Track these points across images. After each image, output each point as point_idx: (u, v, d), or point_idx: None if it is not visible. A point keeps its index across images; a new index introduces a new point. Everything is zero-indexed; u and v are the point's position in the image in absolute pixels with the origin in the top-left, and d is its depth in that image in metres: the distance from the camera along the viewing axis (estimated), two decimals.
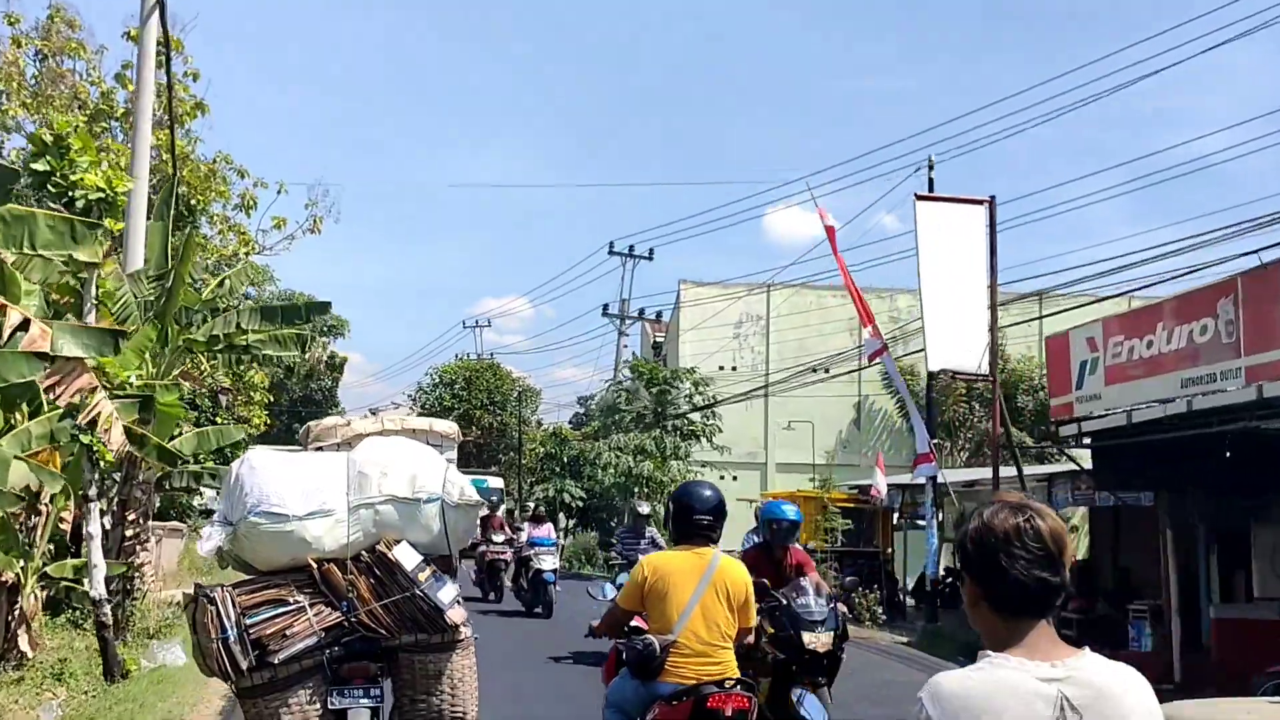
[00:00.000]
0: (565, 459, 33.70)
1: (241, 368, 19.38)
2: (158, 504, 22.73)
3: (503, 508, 33.95)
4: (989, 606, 2.08)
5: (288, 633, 5.63)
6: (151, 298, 13.86)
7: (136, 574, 13.68)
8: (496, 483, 35.32)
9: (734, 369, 38.07)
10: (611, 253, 39.32)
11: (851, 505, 23.95)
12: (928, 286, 14.02)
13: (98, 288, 10.87)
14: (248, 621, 5.60)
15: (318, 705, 5.69)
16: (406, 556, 5.84)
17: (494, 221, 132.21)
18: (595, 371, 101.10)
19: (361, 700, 5.73)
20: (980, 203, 14.51)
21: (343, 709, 5.71)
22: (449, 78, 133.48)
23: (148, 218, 13.86)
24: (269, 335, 14.26)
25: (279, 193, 25.95)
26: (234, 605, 5.60)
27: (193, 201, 24.98)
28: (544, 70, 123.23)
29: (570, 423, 51.87)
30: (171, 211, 14.01)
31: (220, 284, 14.60)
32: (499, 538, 20.07)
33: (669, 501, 5.95)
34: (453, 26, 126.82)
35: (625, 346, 39.57)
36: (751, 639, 5.50)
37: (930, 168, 16.07)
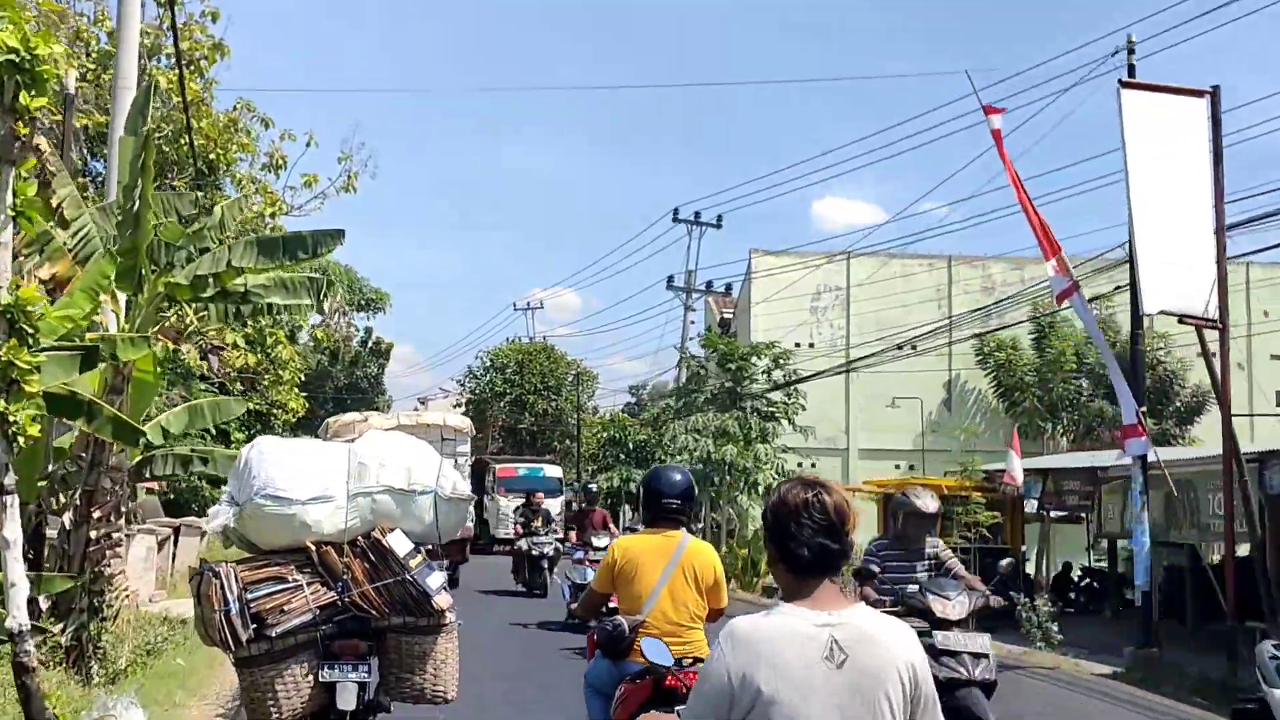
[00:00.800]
0: (630, 445, 30.44)
1: (245, 326, 16.22)
2: (142, 495, 19.76)
3: (560, 500, 30.96)
4: (783, 566, 2.61)
5: (285, 608, 6.03)
6: (117, 231, 10.74)
7: (107, 587, 10.56)
8: (554, 471, 32.26)
9: (810, 345, 34.53)
10: (676, 220, 35.92)
11: (967, 494, 20.50)
12: (1139, 202, 10.49)
13: (14, 194, 7.69)
14: (249, 596, 6.00)
15: (310, 677, 6.12)
16: (399, 543, 6.24)
17: (543, 206, 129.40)
18: (659, 349, 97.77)
19: (350, 675, 6.08)
20: (1201, 94, 10.98)
21: (333, 682, 6.08)
22: (495, 57, 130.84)
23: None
24: (273, 279, 11.06)
25: (308, 145, 22.91)
26: (236, 580, 6.01)
27: (212, 156, 22.04)
28: (592, 51, 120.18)
29: (624, 412, 48.73)
30: (147, 123, 10.80)
31: (207, 211, 11.40)
32: (601, 540, 15.88)
33: (639, 485, 6.29)
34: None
35: (692, 323, 36.20)
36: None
37: (1130, 51, 12.44)
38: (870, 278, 35.39)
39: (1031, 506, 18.46)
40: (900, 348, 28.99)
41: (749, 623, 2.52)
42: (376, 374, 68.34)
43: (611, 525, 17.47)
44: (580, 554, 16.30)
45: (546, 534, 18.13)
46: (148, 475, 11.39)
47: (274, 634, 6.00)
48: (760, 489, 24.26)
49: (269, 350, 23.75)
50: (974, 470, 17.18)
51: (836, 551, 2.54)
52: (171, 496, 25.60)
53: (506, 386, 47.60)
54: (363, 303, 27.09)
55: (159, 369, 10.91)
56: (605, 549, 13.28)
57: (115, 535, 10.71)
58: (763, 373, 28.28)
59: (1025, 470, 17.56)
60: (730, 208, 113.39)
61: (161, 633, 12.24)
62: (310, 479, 6.28)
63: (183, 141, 21.33)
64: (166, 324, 11.91)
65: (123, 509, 10.76)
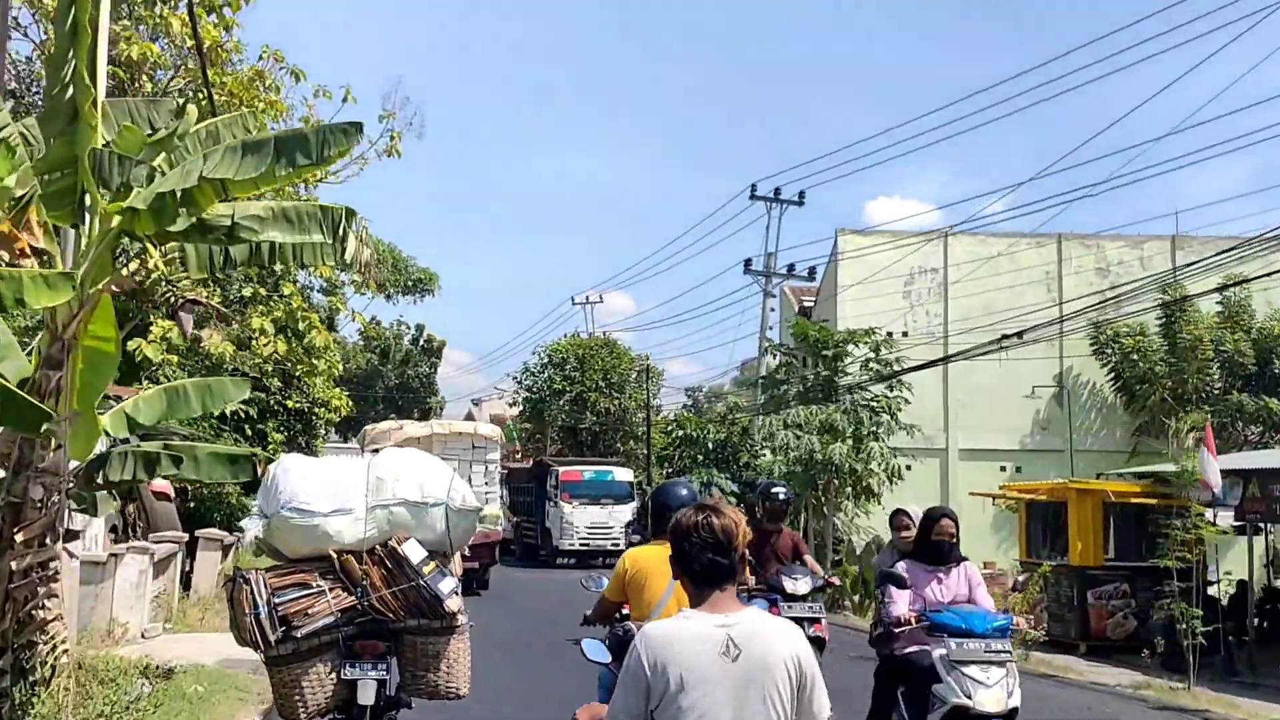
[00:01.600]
0: (710, 444, 27.10)
1: (239, 277, 13.11)
2: (120, 505, 16.73)
3: (630, 508, 27.61)
4: (685, 579, 3.20)
5: (309, 612, 6.57)
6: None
7: (39, 636, 7.50)
8: (625, 475, 29.04)
9: (904, 334, 30.96)
10: (754, 197, 32.56)
11: (1139, 501, 17.00)
12: None
13: None
14: (276, 600, 6.54)
15: (333, 675, 6.68)
16: (414, 552, 6.77)
17: (597, 208, 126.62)
18: (735, 339, 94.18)
19: (370, 673, 6.62)
20: None
21: (354, 679, 6.61)
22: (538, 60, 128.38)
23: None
24: (272, 210, 7.94)
25: (344, 100, 19.95)
26: (265, 586, 6.57)
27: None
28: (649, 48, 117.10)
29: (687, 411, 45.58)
30: None
31: (178, 115, 8.34)
32: (800, 583, 9.69)
33: (648, 499, 7.25)
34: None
35: (772, 310, 32.83)
36: None
37: None
38: (970, 258, 31.82)
39: (1225, 516, 14.92)
40: (1005, 337, 25.42)
41: (659, 627, 3.17)
42: (428, 373, 65.69)
43: (809, 557, 10.36)
44: (765, 604, 8.70)
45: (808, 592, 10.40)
46: (99, 480, 8.27)
47: (300, 635, 6.53)
48: (874, 494, 20.96)
49: (302, 335, 20.77)
50: (1189, 474, 13.66)
51: (726, 566, 3.17)
52: (192, 505, 22.70)
53: (566, 384, 44.49)
54: (409, 284, 24.29)
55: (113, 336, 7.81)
56: (807, 597, 9.66)
57: (51, 564, 7.64)
58: (861, 363, 24.86)
59: (1223, 471, 14.03)
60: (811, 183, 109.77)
61: (136, 688, 9.19)
62: (332, 493, 6.86)
63: (200, 96, 18.31)
64: (125, 273, 8.81)
65: (60, 527, 7.67)
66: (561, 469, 27.57)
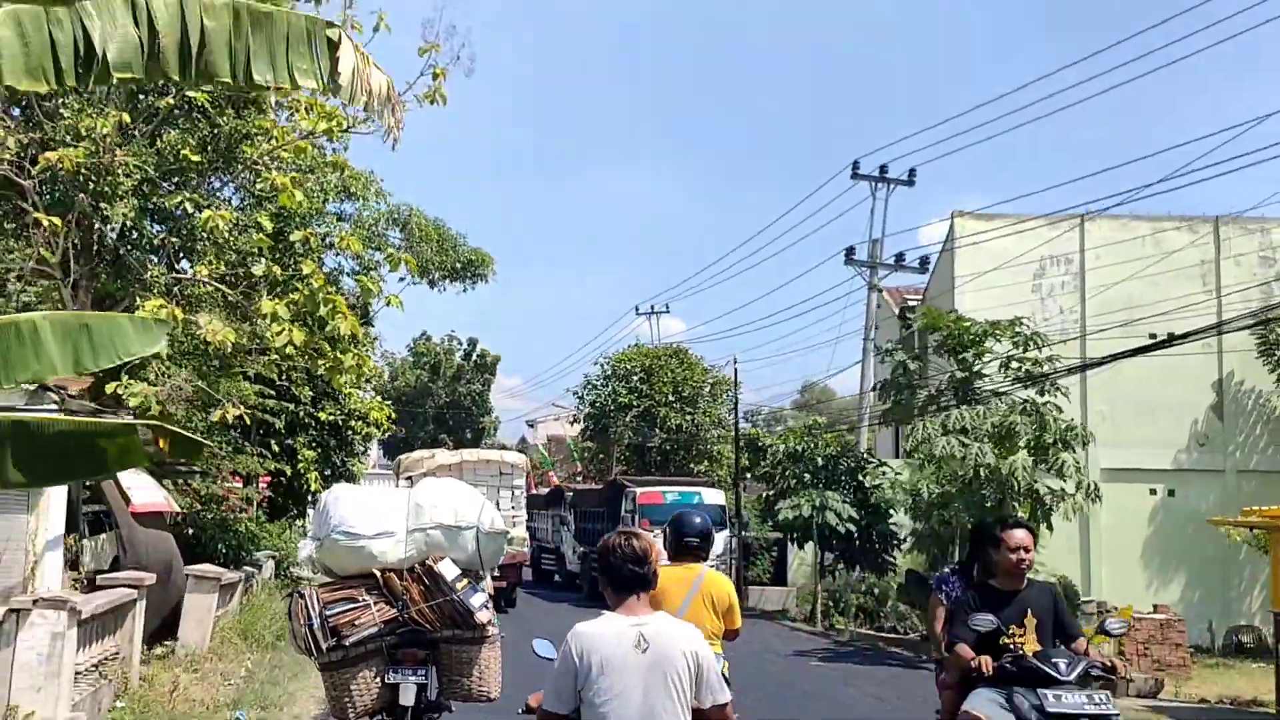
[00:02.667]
0: (819, 460, 22.59)
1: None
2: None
3: (724, 536, 22.87)
4: (609, 587, 4.17)
5: (356, 623, 7.60)
6: None
7: None
8: (715, 497, 24.47)
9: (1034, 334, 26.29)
10: (856, 176, 28.17)
11: None
12: None
13: None
14: (327, 613, 7.58)
15: (378, 679, 7.63)
16: (448, 570, 7.77)
17: (657, 232, 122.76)
18: (837, 338, 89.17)
19: (410, 677, 7.48)
20: None
21: (396, 683, 7.47)
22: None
23: None
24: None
25: (375, 30, 15.92)
26: (318, 601, 7.63)
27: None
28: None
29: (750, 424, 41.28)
30: None
31: None
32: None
33: (666, 526, 7.12)
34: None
35: (879, 305, 28.39)
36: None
37: None
38: (1109, 242, 27.20)
39: None
40: (1162, 339, 20.80)
41: (586, 626, 4.10)
42: (481, 391, 61.80)
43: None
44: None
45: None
46: None
47: (348, 643, 7.57)
48: (1069, 516, 16.48)
49: (324, 322, 16.64)
50: None
51: (640, 576, 4.16)
52: (191, 531, 18.74)
53: (632, 397, 40.27)
54: (458, 267, 20.61)
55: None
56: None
57: None
58: (1000, 362, 20.35)
59: None
60: (919, 161, 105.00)
61: None
62: (376, 518, 7.88)
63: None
64: None
65: None
66: (640, 490, 23.08)
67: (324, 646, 7.44)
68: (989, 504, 15.59)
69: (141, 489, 14.49)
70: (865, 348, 28.05)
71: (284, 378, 25.70)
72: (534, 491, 39.02)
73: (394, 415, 29.65)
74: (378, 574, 7.72)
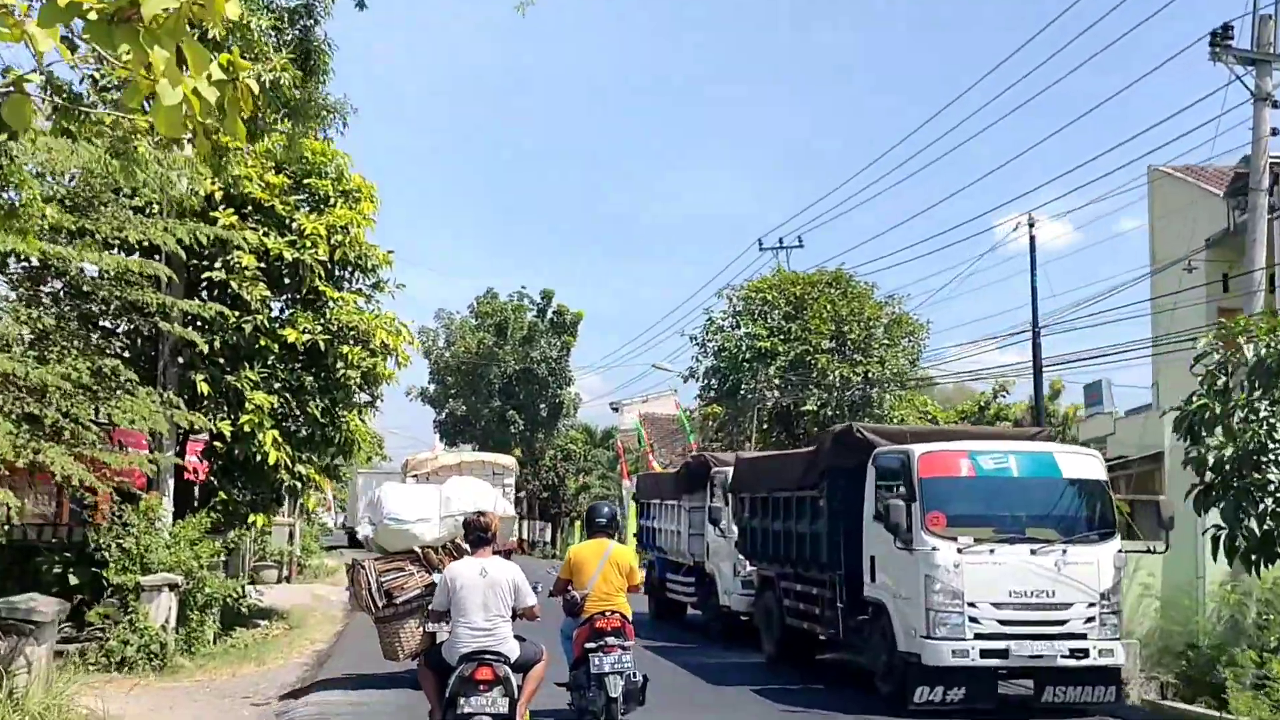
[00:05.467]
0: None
1: None
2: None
3: (1110, 552, 10.75)
4: (469, 542, 8.27)
5: (404, 587, 10.66)
6: None
7: None
8: (1084, 467, 10.86)
9: None
10: None
11: None
12: None
13: None
14: (382, 580, 10.71)
15: (420, 629, 10.00)
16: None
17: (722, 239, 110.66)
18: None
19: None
20: None
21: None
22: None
23: None
24: None
25: None
26: (374, 570, 10.77)
27: None
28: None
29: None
30: None
31: None
32: None
33: (584, 512, 12.15)
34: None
35: (1275, 133, 15.76)
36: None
37: None
38: None
39: None
40: None
41: (455, 565, 8.08)
42: (559, 357, 49.85)
43: None
44: None
45: None
46: None
47: (398, 602, 10.63)
48: None
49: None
50: None
51: (487, 538, 7.89)
52: None
53: (776, 341, 28.05)
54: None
55: None
56: None
57: None
58: None
59: None
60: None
61: None
62: (416, 508, 11.07)
63: None
64: None
65: None
66: (919, 450, 10.27)
67: (380, 604, 10.60)
68: None
69: None
70: (1255, 205, 15.47)
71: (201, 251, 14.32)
72: (648, 473, 26.88)
73: (413, 341, 17.68)
74: (418, 550, 10.91)
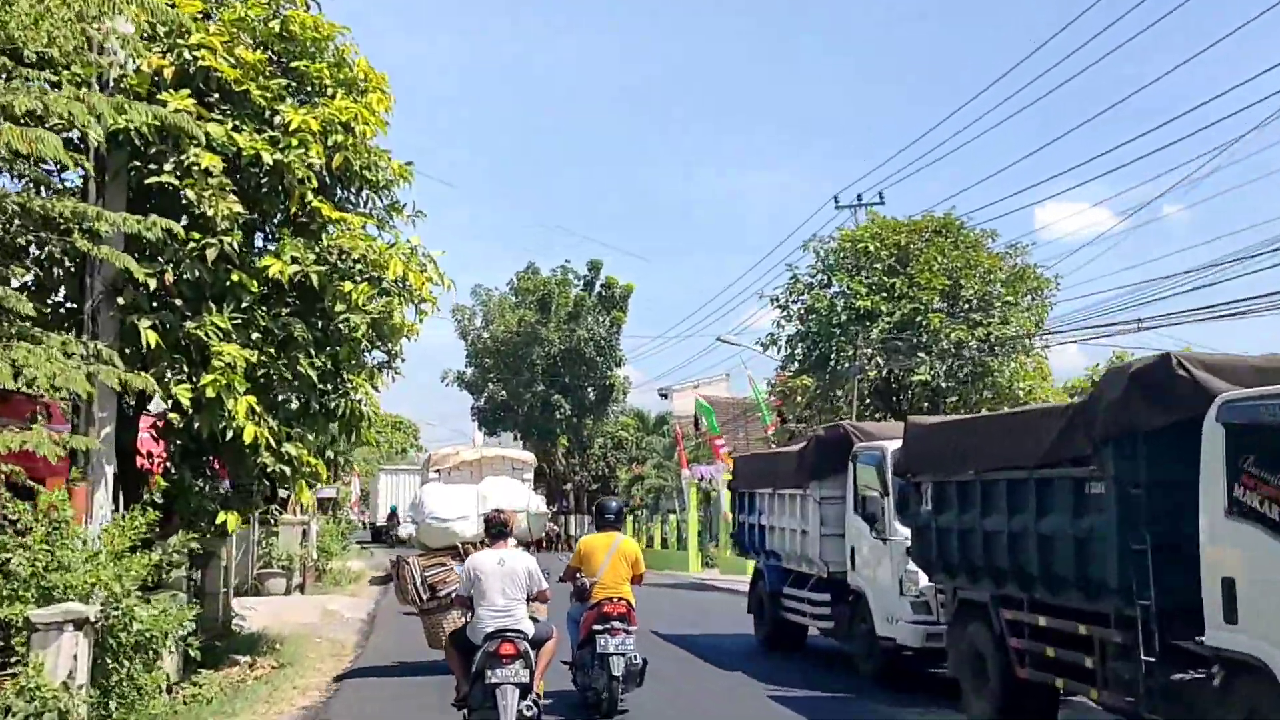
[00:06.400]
0: None
1: None
2: None
3: None
4: (488, 536, 9.41)
5: (446, 580, 11.22)
6: None
7: None
8: None
9: None
10: None
11: None
12: None
13: None
14: (425, 575, 11.48)
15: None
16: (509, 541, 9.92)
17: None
18: None
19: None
20: None
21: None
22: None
23: None
24: None
25: None
26: (418, 565, 11.56)
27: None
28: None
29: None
30: None
31: None
32: None
33: (593, 508, 11.70)
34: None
35: None
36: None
37: None
38: None
39: None
40: None
41: (476, 556, 9.17)
42: (608, 334, 45.33)
43: None
44: None
45: None
46: None
47: (440, 595, 11.27)
48: None
49: None
50: None
51: (505, 532, 9.02)
52: None
53: (877, 299, 23.45)
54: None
55: None
56: None
57: None
58: None
59: None
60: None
61: None
62: (456, 507, 11.87)
63: None
64: None
65: None
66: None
67: (424, 597, 11.40)
68: None
69: None
70: None
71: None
72: (754, 453, 22.37)
73: (444, 280, 13.21)
74: (459, 546, 11.62)
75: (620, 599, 9.65)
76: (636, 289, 45.75)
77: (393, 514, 43.27)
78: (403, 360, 13.69)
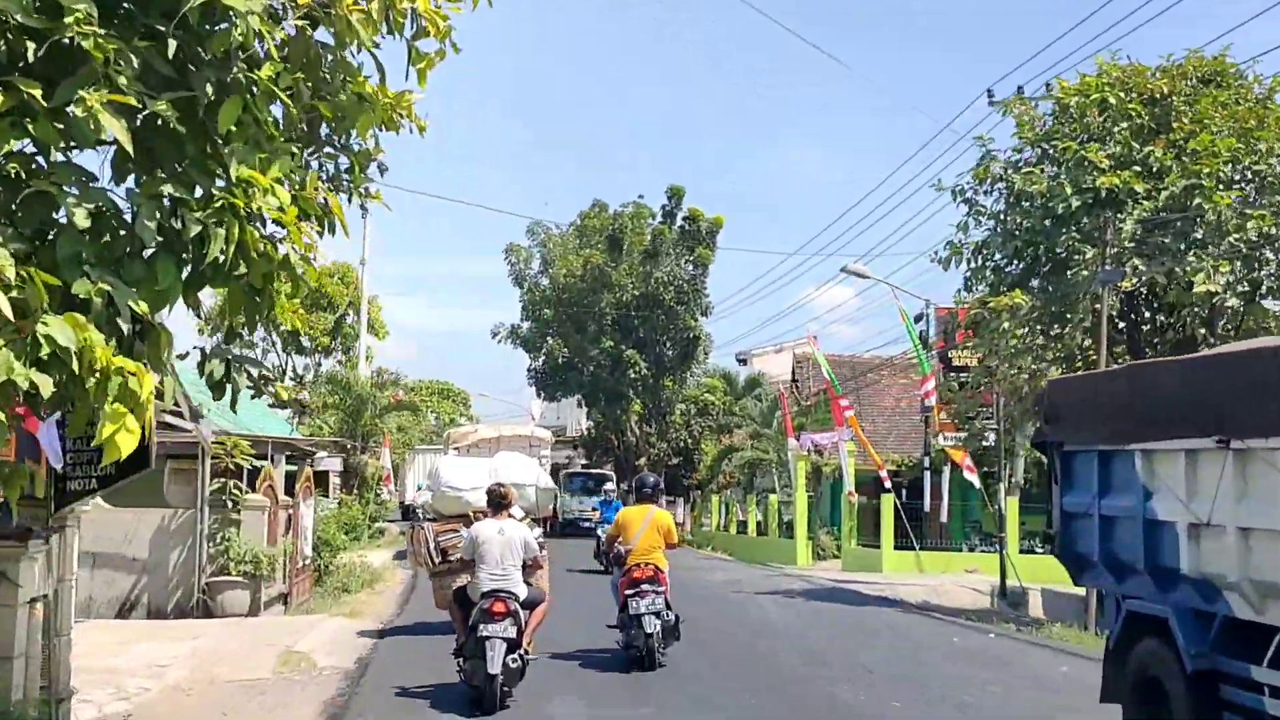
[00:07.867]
0: None
1: None
2: None
3: None
4: (490, 507, 10.12)
5: (456, 545, 11.35)
6: None
7: None
8: None
9: None
10: None
11: None
12: None
13: None
14: (439, 540, 12.00)
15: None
16: (516, 512, 10.65)
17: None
18: None
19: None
20: None
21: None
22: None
23: None
24: None
25: None
26: (432, 531, 12.17)
27: None
28: None
29: None
30: None
31: None
32: None
33: (633, 481, 15.65)
34: None
35: None
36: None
37: None
38: None
39: None
40: None
41: (478, 524, 10.06)
42: (691, 276, 37.68)
43: None
44: None
45: None
46: None
47: (452, 559, 11.62)
48: None
49: None
50: None
51: (505, 504, 9.92)
52: None
53: (1128, 175, 15.80)
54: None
55: None
56: None
57: None
58: None
59: None
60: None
61: None
62: (470, 478, 12.44)
63: None
64: None
65: None
66: None
67: (436, 561, 11.97)
68: None
69: None
70: None
71: None
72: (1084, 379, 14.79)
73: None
74: (471, 514, 11.74)
75: (649, 564, 11.11)
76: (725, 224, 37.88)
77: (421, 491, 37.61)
78: (384, 169, 6.21)
